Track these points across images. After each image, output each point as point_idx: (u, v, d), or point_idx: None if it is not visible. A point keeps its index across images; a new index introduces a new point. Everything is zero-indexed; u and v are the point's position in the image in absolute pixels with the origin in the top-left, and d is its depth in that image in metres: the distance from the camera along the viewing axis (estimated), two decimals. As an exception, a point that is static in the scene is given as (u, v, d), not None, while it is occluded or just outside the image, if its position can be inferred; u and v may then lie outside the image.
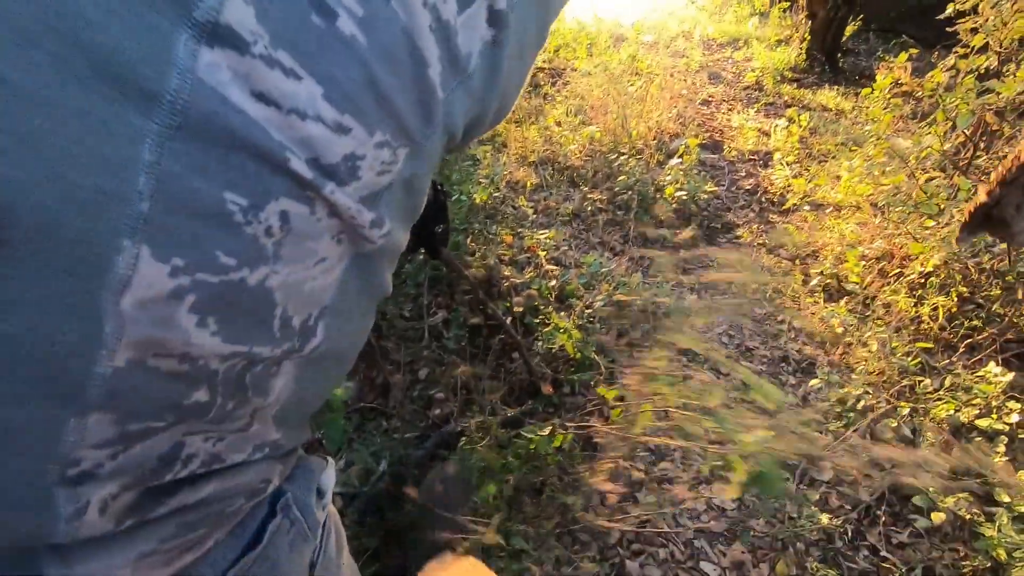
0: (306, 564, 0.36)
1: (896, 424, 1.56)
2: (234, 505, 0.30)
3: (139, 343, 0.23)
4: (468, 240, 1.94)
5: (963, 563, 1.26)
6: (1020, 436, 1.46)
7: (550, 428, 1.35)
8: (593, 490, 1.36)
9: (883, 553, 1.30)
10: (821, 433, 1.60)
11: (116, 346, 0.22)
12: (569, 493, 1.32)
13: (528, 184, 2.57)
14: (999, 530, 1.22)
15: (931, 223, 2.10)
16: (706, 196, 2.63)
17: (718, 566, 1.27)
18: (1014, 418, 1.47)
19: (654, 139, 3.01)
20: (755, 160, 3.18)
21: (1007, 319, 1.81)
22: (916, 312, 1.92)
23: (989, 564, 1.22)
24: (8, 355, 0.21)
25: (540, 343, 1.64)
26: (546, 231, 2.16)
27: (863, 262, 2.12)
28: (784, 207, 2.67)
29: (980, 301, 1.92)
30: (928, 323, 1.88)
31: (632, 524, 1.33)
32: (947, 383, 1.55)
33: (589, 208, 2.48)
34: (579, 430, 1.48)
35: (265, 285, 0.25)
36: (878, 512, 1.39)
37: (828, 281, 2.13)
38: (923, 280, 2.00)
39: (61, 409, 0.22)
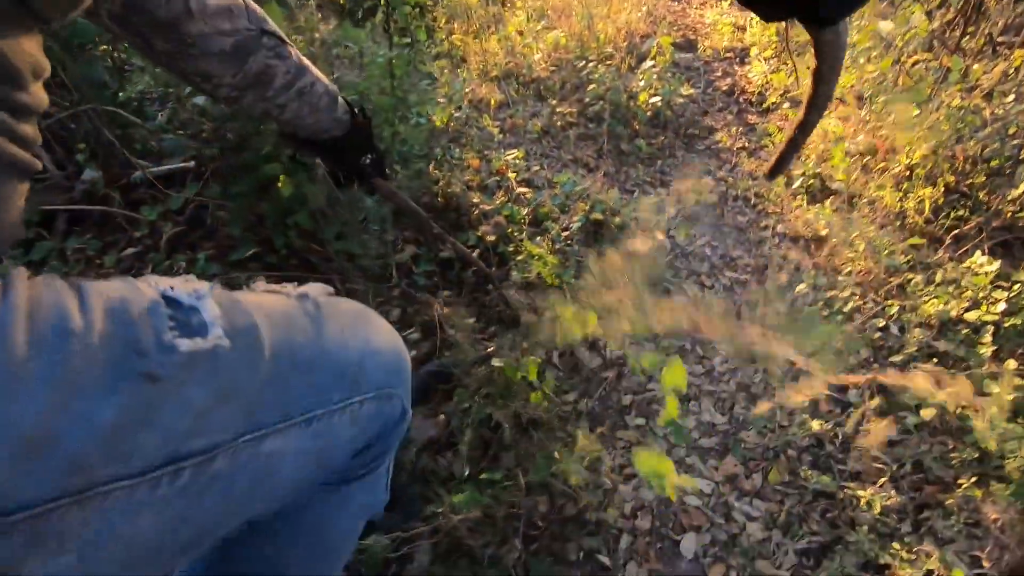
0: None
1: (884, 324, 1.53)
2: None
3: None
4: (431, 167, 1.79)
5: (952, 454, 1.26)
6: (1006, 325, 1.44)
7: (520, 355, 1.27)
8: (582, 412, 1.32)
9: (873, 452, 1.30)
10: (809, 338, 1.57)
11: None
12: (558, 425, 1.28)
13: (492, 102, 2.38)
14: (990, 421, 1.21)
15: (916, 111, 2.00)
16: (682, 100, 2.48)
17: (711, 480, 1.26)
18: (1000, 307, 1.45)
19: (624, 42, 2.79)
20: (731, 58, 2.99)
21: (991, 207, 1.75)
22: (901, 207, 1.86)
23: (977, 455, 1.23)
24: None
25: (516, 272, 1.55)
26: (514, 151, 2.01)
27: (848, 158, 2.02)
28: (764, 106, 2.54)
29: (965, 190, 1.86)
30: (913, 217, 1.82)
31: (621, 447, 1.30)
32: (938, 278, 1.51)
33: (559, 123, 2.31)
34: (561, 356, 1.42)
35: None
36: (867, 413, 1.38)
37: (811, 182, 2.04)
38: (908, 173, 1.92)
39: None
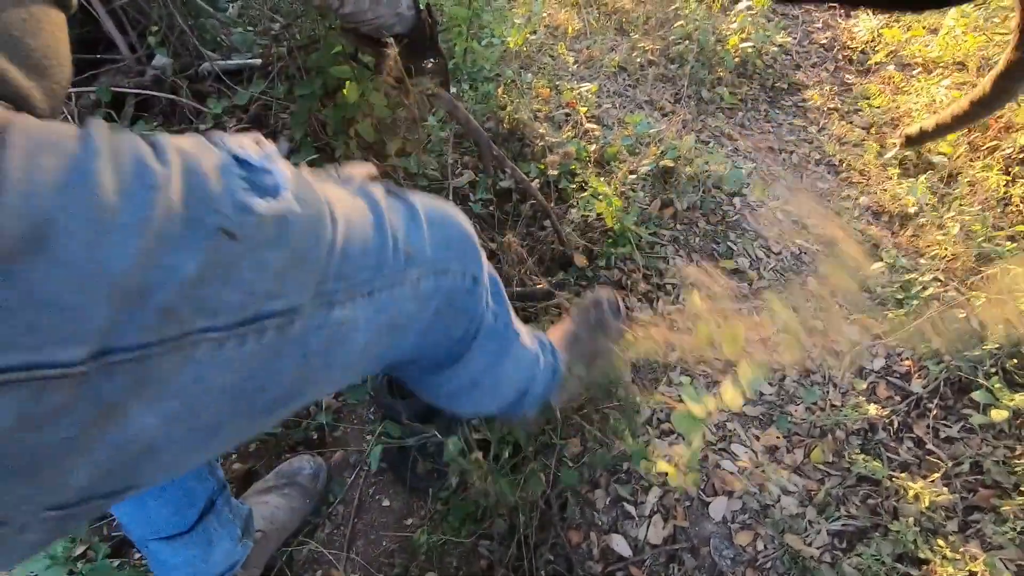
0: None
1: (964, 315, 1.42)
2: None
3: None
4: (499, 91, 1.71)
5: (1016, 460, 1.18)
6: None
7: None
8: (626, 366, 1.29)
9: (929, 446, 1.23)
10: (876, 320, 1.47)
11: None
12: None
13: (569, 29, 2.24)
14: (1070, 432, 1.12)
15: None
16: (775, 50, 2.27)
17: (750, 449, 1.22)
18: (1103, 315, 1.31)
19: (720, -23, 2.55)
20: (835, 8, 2.71)
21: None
22: (1006, 192, 1.68)
23: (1047, 464, 1.15)
24: None
25: (576, 210, 1.49)
26: (588, 84, 1.89)
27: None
28: (865, 65, 2.30)
29: (1084, 182, 1.66)
30: (1018, 204, 1.65)
31: (662, 402, 1.27)
32: (1041, 273, 1.37)
33: (638, 60, 2.16)
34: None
35: None
36: (929, 405, 1.30)
37: (907, 153, 1.86)
38: (1022, 155, 1.73)
39: None
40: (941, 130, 0.49)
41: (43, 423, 0.28)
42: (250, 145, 0.36)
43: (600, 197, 1.40)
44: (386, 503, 1.04)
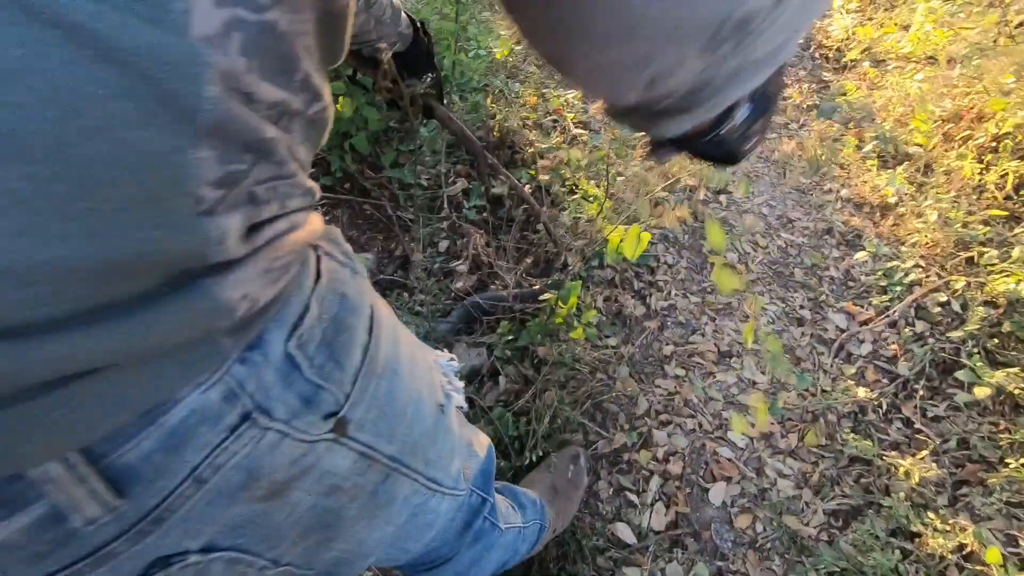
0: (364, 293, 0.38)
1: (945, 299, 1.47)
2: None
3: (222, 74, 0.24)
4: (488, 101, 1.76)
5: (1001, 435, 1.23)
6: (1081, 311, 1.36)
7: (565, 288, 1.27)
8: (622, 361, 1.33)
9: (917, 425, 1.28)
10: (863, 308, 1.52)
11: (210, 72, 0.23)
12: (598, 369, 1.29)
13: (553, 38, 2.29)
14: (1049, 405, 1.17)
15: (1011, 77, 1.84)
16: (753, 51, 2.34)
17: (745, 436, 1.26)
18: (1078, 292, 1.37)
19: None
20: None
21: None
22: (981, 180, 1.75)
23: (1030, 437, 1.19)
24: (134, 68, 0.21)
25: (567, 213, 1.53)
26: (574, 91, 1.95)
27: (929, 122, 1.90)
28: (841, 63, 2.38)
29: (1055, 167, 1.73)
30: (993, 192, 1.71)
31: (661, 396, 1.31)
32: (1015, 255, 1.43)
33: (621, 66, 2.22)
34: (607, 302, 1.42)
35: (289, 30, 0.27)
36: (916, 386, 1.35)
37: (885, 147, 1.93)
38: (995, 144, 1.79)
39: (180, 135, 0.23)
40: None
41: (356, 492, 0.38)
42: (445, 357, 0.48)
43: (590, 199, 1.45)
44: None
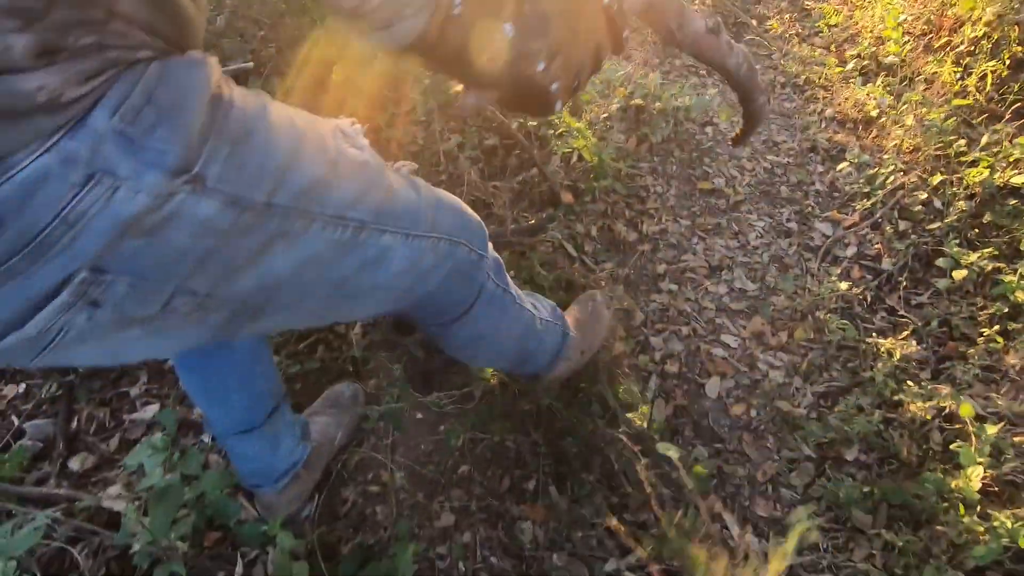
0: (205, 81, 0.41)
1: (926, 197, 1.53)
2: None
3: None
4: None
5: (981, 313, 1.30)
6: (1058, 194, 1.41)
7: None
8: (619, 278, 1.42)
9: (900, 312, 1.35)
10: (846, 214, 1.59)
11: None
12: (593, 287, 1.39)
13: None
14: (1020, 276, 1.24)
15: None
16: (733, -14, 2.37)
17: (738, 336, 1.35)
18: (1054, 177, 1.42)
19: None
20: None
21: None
22: (961, 85, 1.78)
23: (1007, 310, 1.26)
24: None
25: (556, 155, 1.62)
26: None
27: (906, 37, 1.93)
28: (821, -11, 2.40)
29: (1033, 63, 1.75)
30: (974, 95, 1.75)
31: (656, 308, 1.40)
32: (984, 141, 1.48)
33: (602, 15, 2.28)
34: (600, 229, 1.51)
35: None
36: (899, 279, 1.41)
37: (865, 63, 1.97)
38: (972, 48, 1.82)
39: None
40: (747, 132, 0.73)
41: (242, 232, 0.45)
42: (343, 123, 0.56)
43: (575, 133, 1.53)
44: (419, 416, 1.19)
